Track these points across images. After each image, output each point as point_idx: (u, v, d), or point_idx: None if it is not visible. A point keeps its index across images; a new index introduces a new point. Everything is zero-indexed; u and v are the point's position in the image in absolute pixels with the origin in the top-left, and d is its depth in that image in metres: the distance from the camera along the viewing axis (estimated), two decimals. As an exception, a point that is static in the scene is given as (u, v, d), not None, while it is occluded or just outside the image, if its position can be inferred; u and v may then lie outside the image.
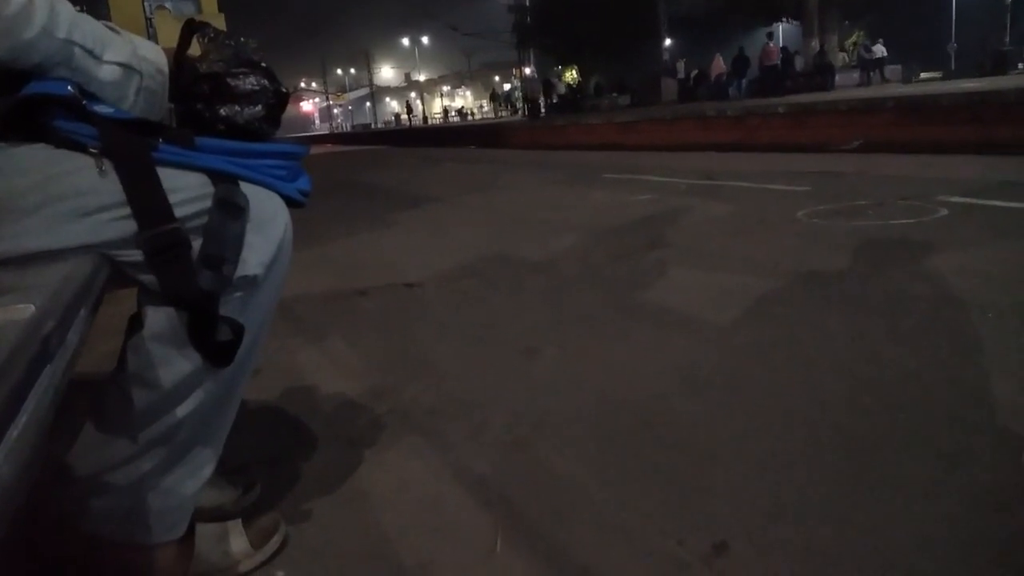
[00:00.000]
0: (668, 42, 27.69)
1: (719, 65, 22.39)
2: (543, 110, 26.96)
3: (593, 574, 1.16)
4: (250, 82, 1.10)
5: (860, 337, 2.12)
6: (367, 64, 69.68)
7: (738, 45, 22.23)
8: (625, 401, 1.81)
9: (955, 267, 2.76)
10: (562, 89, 27.70)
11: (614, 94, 25.75)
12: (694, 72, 23.99)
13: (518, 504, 1.38)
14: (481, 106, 59.25)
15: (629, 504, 1.35)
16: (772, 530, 1.23)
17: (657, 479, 1.43)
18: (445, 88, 78.32)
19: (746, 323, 2.34)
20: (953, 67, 27.79)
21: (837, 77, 19.76)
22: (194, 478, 1.13)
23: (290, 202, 1.13)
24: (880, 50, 21.29)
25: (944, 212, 3.83)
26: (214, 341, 1.04)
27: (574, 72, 31.67)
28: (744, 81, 20.82)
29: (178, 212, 0.97)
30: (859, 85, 19.82)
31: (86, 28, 0.94)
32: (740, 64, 21.14)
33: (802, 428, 1.58)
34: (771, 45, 19.59)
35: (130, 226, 0.94)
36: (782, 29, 31.72)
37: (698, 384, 1.89)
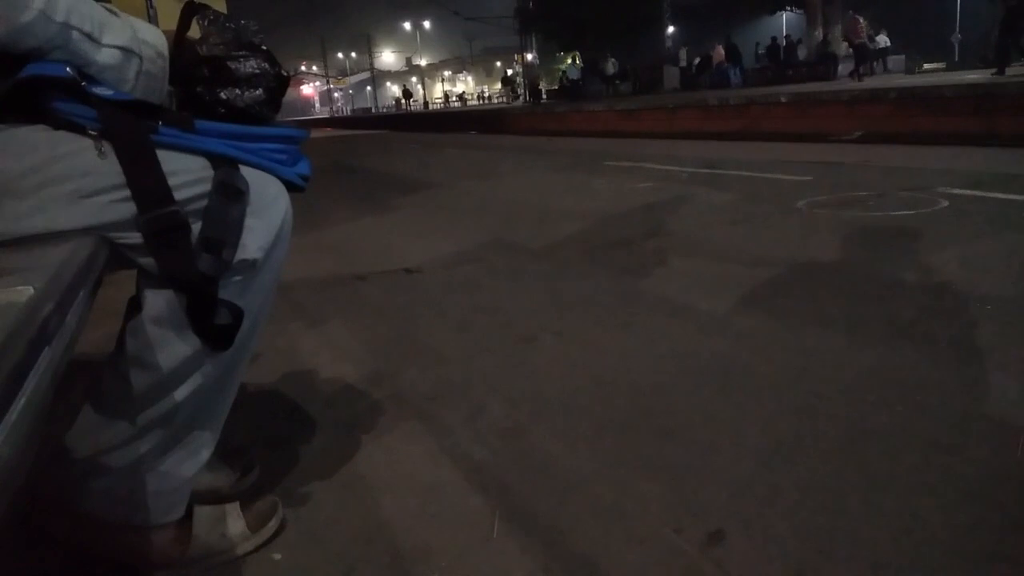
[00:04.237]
0: (671, 29, 27.50)
1: (719, 54, 22.34)
2: (544, 96, 26.66)
3: (590, 561, 1.17)
4: (250, 65, 1.09)
5: (858, 327, 2.12)
6: (368, 48, 69.33)
7: (737, 34, 22.30)
8: (623, 389, 1.82)
9: (954, 258, 2.76)
10: (610, 70, 25.43)
11: (617, 81, 25.52)
12: (696, 60, 23.92)
13: (516, 490, 1.38)
14: (483, 91, 58.99)
15: (626, 491, 1.35)
16: (768, 519, 1.23)
17: (654, 467, 1.43)
18: (446, 73, 78.01)
19: (745, 312, 2.35)
20: (957, 58, 27.61)
21: (840, 67, 19.66)
22: (192, 460, 1.13)
23: (290, 186, 1.13)
24: (883, 40, 21.17)
25: (945, 204, 3.82)
26: (213, 324, 1.04)
27: (577, 58, 31.46)
28: (737, 69, 20.83)
29: (178, 195, 0.97)
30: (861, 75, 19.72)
31: (85, 11, 0.93)
32: (731, 53, 21.25)
33: (799, 418, 1.59)
34: (858, 20, 17.71)
35: (129, 208, 0.94)
36: (786, 18, 31.56)
37: (696, 373, 1.89)
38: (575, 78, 26.61)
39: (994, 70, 10.16)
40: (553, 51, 36.30)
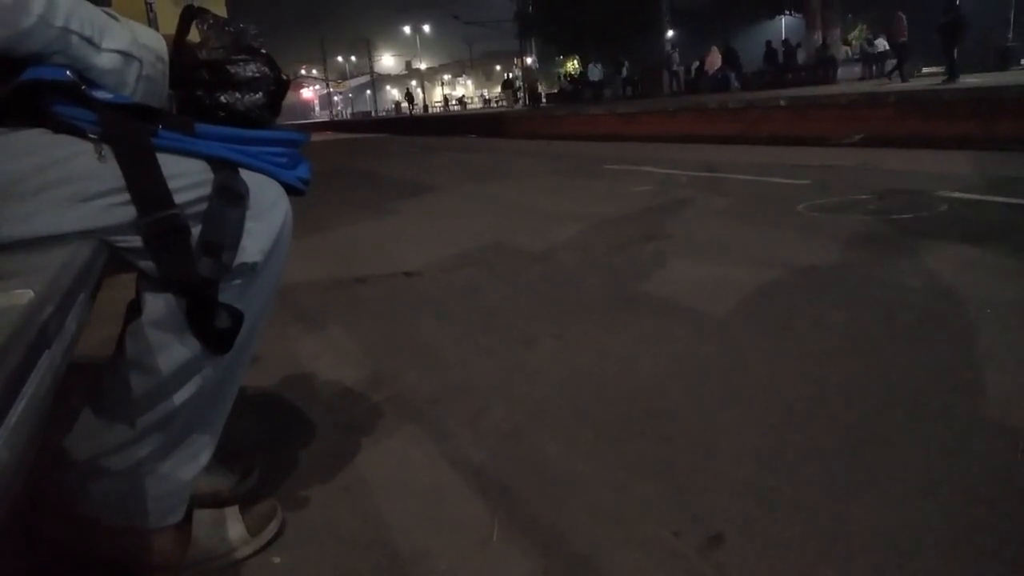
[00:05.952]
0: (670, 33, 27.47)
1: (715, 59, 22.32)
2: (543, 100, 26.54)
3: (589, 564, 1.17)
4: (250, 69, 1.10)
5: (858, 331, 2.13)
6: (368, 52, 69.42)
7: (736, 38, 22.28)
8: (623, 391, 1.82)
9: (954, 262, 2.76)
10: (624, 72, 25.20)
11: (627, 86, 25.41)
12: (695, 64, 23.92)
13: (515, 493, 1.38)
14: (483, 95, 59.03)
15: (626, 494, 1.35)
16: (768, 523, 1.23)
17: (654, 470, 1.43)
18: (446, 76, 78.14)
19: (745, 315, 2.35)
20: (955, 62, 27.67)
21: (839, 70, 19.69)
22: (192, 464, 1.13)
23: (290, 190, 1.13)
24: (882, 44, 21.21)
25: (944, 207, 3.83)
26: (213, 328, 1.04)
27: (575, 62, 31.44)
28: (733, 75, 20.82)
29: (178, 198, 0.97)
30: (861, 79, 19.76)
31: (84, 16, 0.93)
32: (731, 57, 21.24)
33: (799, 421, 1.59)
34: (902, 19, 17.09)
35: (129, 212, 0.94)
36: (784, 22, 31.60)
37: (696, 376, 1.89)
38: (597, 79, 26.02)
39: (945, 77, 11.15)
40: (552, 55, 36.32)
